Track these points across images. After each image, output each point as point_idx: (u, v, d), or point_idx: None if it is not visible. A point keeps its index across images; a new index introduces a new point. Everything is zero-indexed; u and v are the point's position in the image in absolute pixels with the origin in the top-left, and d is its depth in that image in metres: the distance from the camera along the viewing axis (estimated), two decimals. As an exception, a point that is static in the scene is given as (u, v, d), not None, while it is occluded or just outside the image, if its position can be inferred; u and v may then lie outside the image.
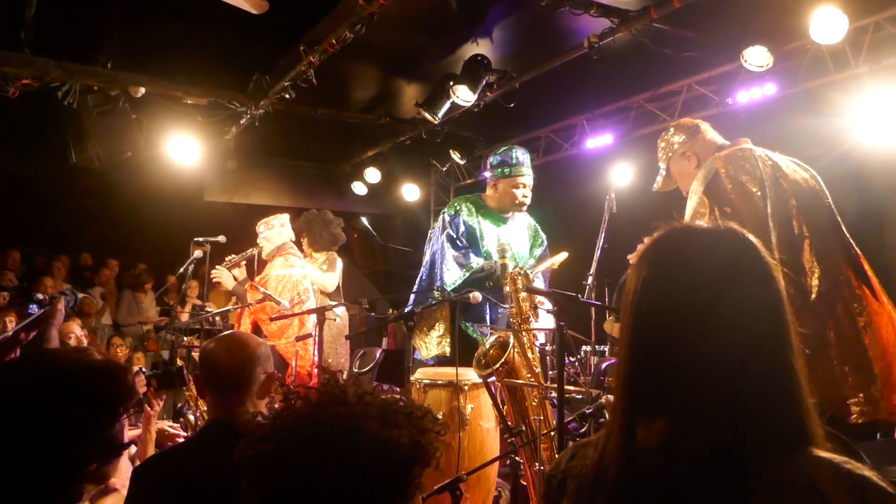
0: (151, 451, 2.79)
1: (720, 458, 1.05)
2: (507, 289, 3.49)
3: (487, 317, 4.20)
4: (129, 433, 2.93)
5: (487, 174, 4.55)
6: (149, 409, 2.77)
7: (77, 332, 3.83)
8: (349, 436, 1.20)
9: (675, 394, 1.09)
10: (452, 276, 4.21)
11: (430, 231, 4.55)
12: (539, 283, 4.27)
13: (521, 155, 4.38)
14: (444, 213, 4.46)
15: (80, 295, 3.55)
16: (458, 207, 4.47)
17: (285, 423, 1.25)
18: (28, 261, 9.00)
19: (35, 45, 5.89)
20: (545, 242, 4.63)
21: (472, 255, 4.23)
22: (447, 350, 4.14)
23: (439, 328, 4.22)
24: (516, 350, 3.29)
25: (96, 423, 1.45)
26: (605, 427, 1.18)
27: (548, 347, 4.09)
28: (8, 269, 8.54)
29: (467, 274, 4.12)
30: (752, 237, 1.18)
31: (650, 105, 7.31)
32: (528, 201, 4.41)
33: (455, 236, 4.32)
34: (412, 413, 1.26)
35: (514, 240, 4.48)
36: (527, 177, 4.40)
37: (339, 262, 6.10)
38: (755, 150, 2.93)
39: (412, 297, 4.38)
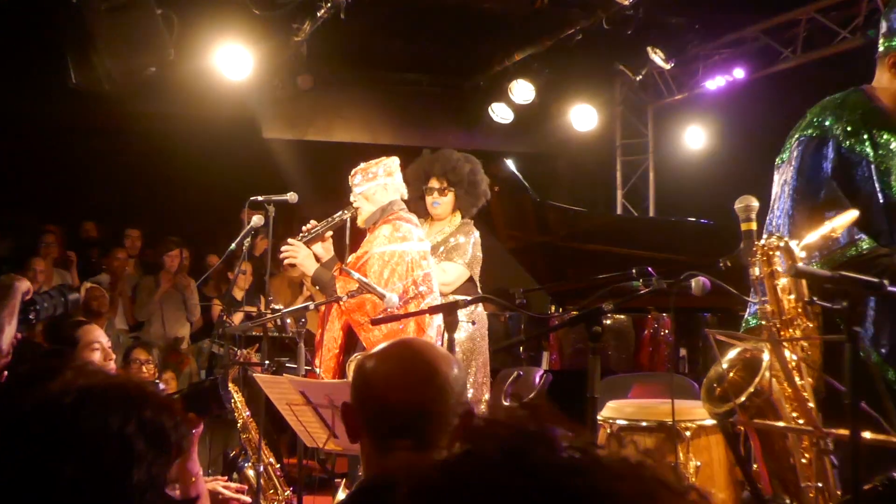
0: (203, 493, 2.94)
1: None
2: (757, 271, 3.38)
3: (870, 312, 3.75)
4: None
5: (881, 45, 3.94)
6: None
7: (104, 342, 4.05)
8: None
9: None
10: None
11: (779, 162, 4.05)
12: None
13: None
14: (806, 128, 3.97)
15: (74, 296, 3.64)
16: (827, 121, 3.92)
17: (473, 477, 1.25)
18: (14, 231, 9.53)
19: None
20: None
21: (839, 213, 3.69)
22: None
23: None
24: (773, 373, 3.20)
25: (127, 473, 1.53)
26: None
27: None
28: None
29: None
30: None
31: None
32: None
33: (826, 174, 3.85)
34: (669, 485, 1.25)
35: None
36: None
37: (474, 239, 6.19)
38: None
39: None
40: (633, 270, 4.21)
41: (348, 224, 5.59)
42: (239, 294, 8.97)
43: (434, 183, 6.24)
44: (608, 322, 7.18)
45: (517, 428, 1.27)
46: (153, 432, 1.58)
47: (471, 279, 6.13)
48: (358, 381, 2.33)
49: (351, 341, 5.44)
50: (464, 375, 2.35)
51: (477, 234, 6.22)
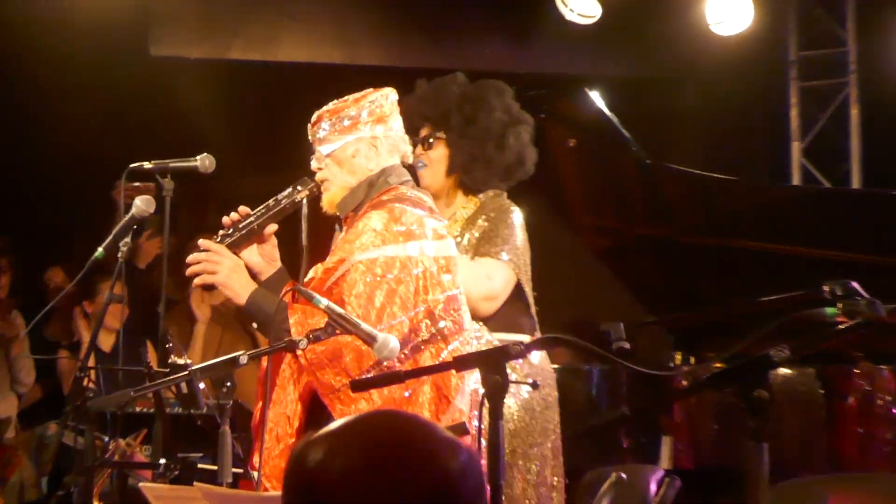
0: None
1: None
2: None
3: None
4: None
5: None
6: None
7: None
8: None
9: None
10: None
11: None
12: None
13: None
14: None
15: None
16: None
17: None
18: None
19: None
20: None
21: None
22: None
23: None
24: None
25: None
26: None
27: None
28: None
29: None
30: None
31: None
32: None
33: None
34: None
35: None
36: None
37: (518, 220, 6.26)
38: None
39: None
40: (825, 287, 4.21)
41: (305, 210, 5.59)
42: (109, 339, 8.98)
43: (424, 131, 6.30)
44: (780, 382, 7.14)
45: None
46: None
47: (519, 292, 6.19)
48: (294, 483, 2.30)
49: (314, 411, 5.38)
50: (479, 469, 2.31)
51: (518, 210, 6.28)
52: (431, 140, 6.18)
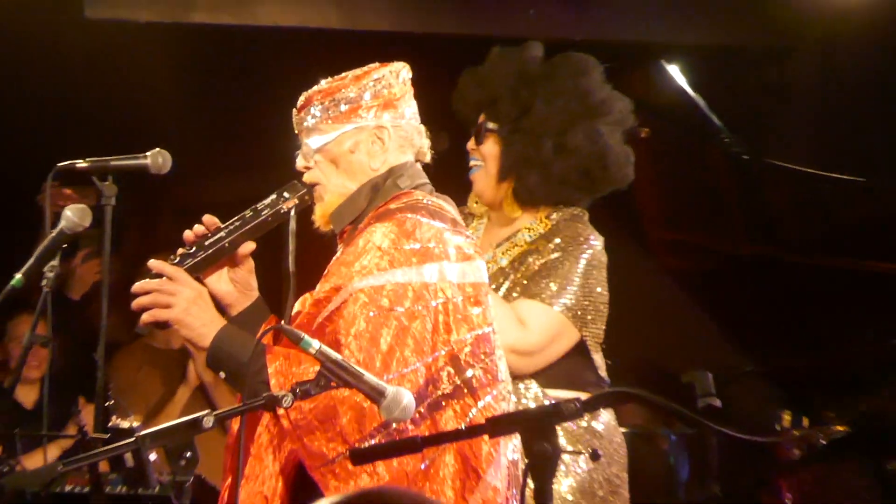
0: None
1: None
2: None
3: None
4: None
5: None
6: None
7: None
8: None
9: None
10: None
11: None
12: None
13: None
14: None
15: None
16: None
17: None
18: None
19: None
20: None
21: None
22: None
23: None
24: None
25: None
26: None
27: None
28: None
29: None
30: None
31: None
32: None
33: None
34: None
35: None
36: None
37: (591, 253, 6.25)
38: None
39: None
40: None
41: (293, 224, 5.55)
42: (31, 394, 9.00)
43: (481, 119, 6.27)
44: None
45: None
46: None
47: (581, 347, 6.15)
48: None
49: (302, 501, 5.36)
50: None
51: (598, 243, 6.24)
52: (486, 133, 6.10)
